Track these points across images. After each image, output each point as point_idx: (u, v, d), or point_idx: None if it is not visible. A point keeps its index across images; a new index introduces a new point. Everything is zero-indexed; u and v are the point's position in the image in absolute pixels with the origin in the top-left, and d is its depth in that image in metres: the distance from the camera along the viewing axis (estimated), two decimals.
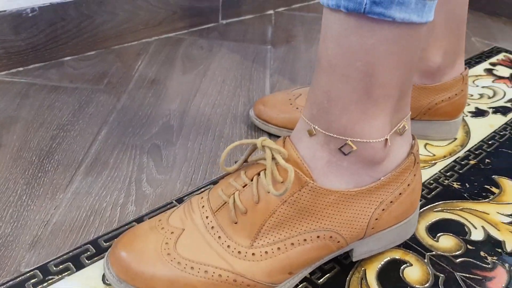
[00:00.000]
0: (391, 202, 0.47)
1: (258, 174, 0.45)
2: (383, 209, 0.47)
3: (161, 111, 0.76)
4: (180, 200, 0.58)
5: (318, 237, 0.45)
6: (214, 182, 0.61)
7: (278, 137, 0.70)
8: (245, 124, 0.74)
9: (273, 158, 0.45)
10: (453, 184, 0.64)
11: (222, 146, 0.68)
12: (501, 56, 1.03)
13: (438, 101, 0.69)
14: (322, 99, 0.43)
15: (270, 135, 0.71)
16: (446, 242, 0.55)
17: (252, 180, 0.46)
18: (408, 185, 0.48)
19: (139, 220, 0.55)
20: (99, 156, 0.65)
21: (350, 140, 0.44)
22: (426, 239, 0.55)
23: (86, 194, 0.58)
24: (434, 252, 0.53)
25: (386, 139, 0.45)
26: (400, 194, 0.47)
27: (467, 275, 0.51)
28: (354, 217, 0.45)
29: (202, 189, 0.60)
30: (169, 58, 0.92)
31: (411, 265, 0.51)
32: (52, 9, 0.84)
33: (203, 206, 0.47)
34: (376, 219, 0.47)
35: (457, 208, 0.60)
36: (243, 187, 0.46)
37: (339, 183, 0.45)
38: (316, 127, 0.44)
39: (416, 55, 0.43)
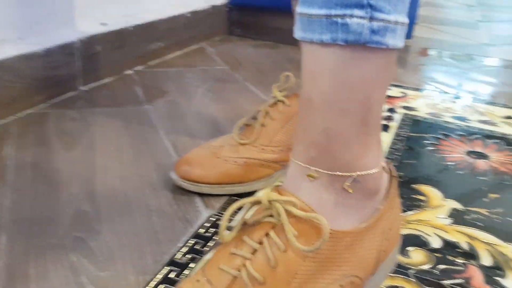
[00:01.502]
0: (389, 229, 0.46)
1: (266, 234, 0.41)
2: (386, 238, 0.46)
3: (62, 198, 0.64)
4: None
5: (341, 286, 0.42)
6: (176, 263, 0.53)
7: (212, 195, 0.65)
8: (169, 190, 0.66)
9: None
10: None
11: (157, 220, 0.60)
12: None
13: None
14: (321, 138, 0.41)
15: (202, 195, 0.65)
16: (418, 256, 0.56)
17: (261, 243, 0.41)
18: (398, 208, 0.48)
19: None
20: (12, 271, 0.51)
21: (355, 174, 0.42)
22: (402, 259, 0.56)
23: None
24: (414, 269, 0.54)
25: (383, 166, 0.45)
26: (394, 218, 0.47)
27: (452, 281, 0.53)
28: (367, 254, 0.44)
29: (171, 273, 0.51)
30: (41, 137, 0.79)
31: None
32: None
33: None
34: (384, 250, 0.46)
35: (404, 222, 0.63)
36: (253, 253, 0.40)
37: (348, 222, 0.43)
38: (319, 169, 0.42)
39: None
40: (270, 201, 0.41)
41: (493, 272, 0.55)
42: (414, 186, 0.71)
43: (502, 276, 0.54)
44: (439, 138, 0.88)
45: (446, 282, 0.53)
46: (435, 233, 0.61)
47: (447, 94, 1.13)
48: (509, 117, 1.01)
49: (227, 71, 1.20)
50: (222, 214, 0.62)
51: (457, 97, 1.11)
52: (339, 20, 0.37)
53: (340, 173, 0.42)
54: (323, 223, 0.39)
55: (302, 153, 0.43)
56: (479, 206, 0.67)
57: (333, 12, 0.37)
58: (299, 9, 0.40)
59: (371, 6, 0.37)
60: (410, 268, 0.54)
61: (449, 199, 0.68)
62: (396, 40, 0.39)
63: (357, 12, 0.37)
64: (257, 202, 0.42)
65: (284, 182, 0.45)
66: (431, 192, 0.70)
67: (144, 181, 0.69)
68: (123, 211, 0.62)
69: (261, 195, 0.42)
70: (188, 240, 0.56)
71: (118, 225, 0.59)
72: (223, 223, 0.41)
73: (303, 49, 0.41)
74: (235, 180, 0.65)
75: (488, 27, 2.02)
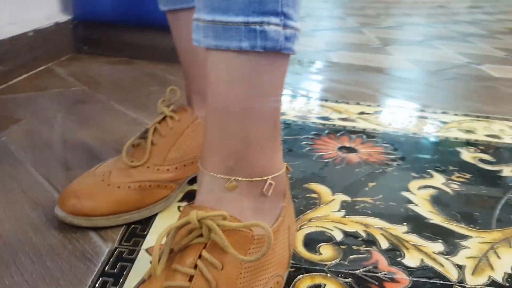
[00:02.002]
0: (291, 223, 0.48)
1: (199, 256, 0.39)
2: (291, 233, 0.48)
3: None
4: None
5: None
6: None
7: (108, 227, 0.59)
8: (57, 229, 0.59)
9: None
10: None
11: (52, 265, 0.53)
12: None
13: None
14: (239, 147, 0.41)
15: (97, 228, 0.59)
16: (327, 252, 0.59)
17: (195, 267, 0.38)
18: (290, 202, 0.51)
19: None
20: None
21: (270, 177, 0.43)
22: (315, 257, 0.57)
23: None
24: (328, 265, 0.56)
25: (286, 167, 0.46)
26: (291, 213, 0.49)
27: (363, 269, 0.56)
28: (283, 252, 0.45)
29: None
30: None
31: (325, 284, 0.53)
32: None
33: None
34: (291, 245, 0.47)
35: (307, 221, 0.65)
36: (190, 280, 0.38)
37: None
38: (238, 178, 0.41)
39: None
40: (199, 220, 0.39)
41: (393, 254, 0.60)
42: (305, 185, 0.75)
43: (401, 256, 0.59)
44: (312, 138, 0.94)
45: (359, 271, 0.56)
46: (335, 227, 0.64)
47: (305, 97, 1.21)
48: (362, 113, 1.12)
49: (86, 92, 1.11)
50: (124, 245, 0.57)
51: (314, 99, 1.20)
52: (258, 27, 0.38)
53: (258, 179, 0.43)
54: (266, 229, 0.38)
55: (218, 164, 0.43)
56: (363, 195, 0.73)
57: (251, 19, 0.37)
58: (207, 16, 0.39)
59: (284, 14, 0.38)
60: (325, 265, 0.56)
61: (336, 193, 0.73)
62: (297, 46, 0.41)
63: (273, 19, 0.38)
64: (185, 224, 0.40)
65: (199, 197, 0.44)
66: (321, 189, 0.74)
67: (24, 223, 0.60)
68: (8, 262, 0.53)
69: (190, 216, 0.39)
70: (96, 280, 0.51)
71: (6, 278, 0.50)
72: (155, 255, 0.38)
73: (213, 58, 0.40)
74: (131, 207, 0.60)
75: (322, 35, 2.22)
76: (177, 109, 0.66)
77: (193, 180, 0.70)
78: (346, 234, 0.63)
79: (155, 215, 0.63)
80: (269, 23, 0.37)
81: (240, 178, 0.42)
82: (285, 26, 0.38)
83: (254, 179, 0.43)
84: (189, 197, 0.68)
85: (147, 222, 0.62)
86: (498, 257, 0.62)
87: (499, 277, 0.58)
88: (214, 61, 0.40)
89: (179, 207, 0.66)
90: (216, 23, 0.38)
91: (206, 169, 0.43)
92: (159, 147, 0.64)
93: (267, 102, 0.41)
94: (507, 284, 0.57)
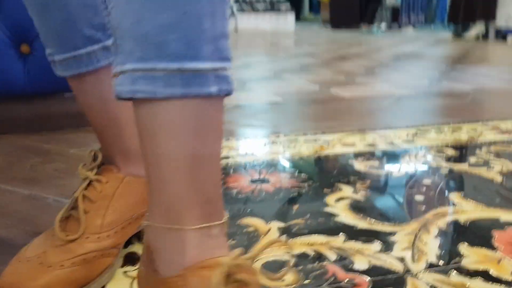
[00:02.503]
0: None
1: None
2: None
3: None
4: None
5: None
6: None
7: None
8: None
9: None
10: None
11: None
12: None
13: None
14: (217, 191, 0.43)
15: None
16: (289, 277, 0.60)
17: None
18: None
19: None
20: None
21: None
22: (280, 284, 0.59)
23: None
24: None
25: None
26: None
27: (329, 282, 0.59)
28: None
29: None
30: None
31: None
32: None
33: None
34: None
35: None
36: None
37: None
38: (216, 222, 0.42)
39: None
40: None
41: (344, 263, 0.64)
42: (238, 222, 0.75)
43: (352, 263, 0.64)
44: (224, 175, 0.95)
45: (324, 285, 0.58)
46: (284, 253, 0.66)
47: None
48: (261, 146, 1.17)
49: None
50: None
51: None
52: (225, 73, 0.39)
53: (218, 222, 0.43)
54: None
55: (193, 217, 0.42)
56: (293, 218, 0.77)
57: (218, 65, 0.39)
58: (170, 65, 0.38)
59: (230, 59, 0.41)
60: None
61: (270, 222, 0.75)
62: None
63: (229, 64, 0.40)
64: None
65: (190, 256, 0.42)
66: (254, 222, 0.75)
67: None
68: None
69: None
70: None
71: None
72: None
73: (170, 108, 0.39)
74: (81, 284, 0.55)
75: None
76: (102, 171, 0.63)
77: (127, 243, 0.66)
78: (297, 256, 0.65)
79: (103, 286, 0.59)
80: (229, 68, 0.40)
81: (217, 223, 0.42)
82: (230, 69, 0.41)
83: (216, 222, 0.43)
84: (131, 260, 0.64)
85: None
86: (424, 243, 0.69)
87: (433, 259, 0.65)
88: (173, 110, 0.39)
89: (125, 272, 0.62)
90: (184, 71, 0.39)
91: (182, 223, 0.42)
92: (93, 214, 0.59)
93: (216, 145, 0.42)
94: (442, 261, 0.64)
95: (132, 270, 0.62)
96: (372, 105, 1.72)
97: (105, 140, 0.63)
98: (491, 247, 0.68)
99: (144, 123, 0.40)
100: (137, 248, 0.67)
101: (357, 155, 1.10)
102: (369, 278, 0.60)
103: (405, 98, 1.83)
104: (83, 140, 1.20)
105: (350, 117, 1.52)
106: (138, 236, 0.69)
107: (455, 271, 0.62)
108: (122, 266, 0.63)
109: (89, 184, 0.61)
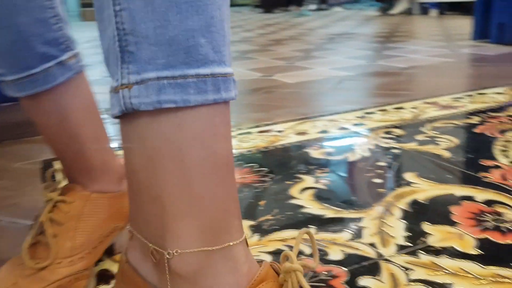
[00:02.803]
0: None
1: None
2: None
3: None
4: None
5: None
6: None
7: None
8: None
9: None
10: None
11: None
12: None
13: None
14: (225, 207, 0.40)
15: None
16: None
17: None
18: None
19: None
20: None
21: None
22: None
23: None
24: None
25: None
26: None
27: (309, 277, 0.60)
28: None
29: None
30: None
31: None
32: None
33: None
34: None
35: None
36: None
37: None
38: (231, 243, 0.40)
39: None
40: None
41: (319, 255, 0.65)
42: None
43: (327, 255, 0.65)
44: None
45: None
46: (259, 252, 0.67)
47: None
48: None
49: None
50: None
51: None
52: (232, 77, 0.38)
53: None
54: None
55: (237, 229, 0.40)
56: (262, 215, 0.77)
57: (227, 70, 0.37)
58: (184, 71, 0.35)
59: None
60: None
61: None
62: None
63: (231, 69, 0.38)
64: None
65: (241, 274, 0.39)
66: None
67: None
68: None
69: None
70: None
71: None
72: None
73: (188, 119, 0.36)
74: None
75: None
76: (65, 190, 0.60)
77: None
78: (272, 253, 0.66)
79: None
80: (232, 73, 0.38)
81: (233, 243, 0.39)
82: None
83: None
84: (104, 279, 0.62)
85: None
86: (390, 225, 0.72)
87: (401, 241, 0.68)
88: (205, 118, 0.36)
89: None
90: (215, 76, 0.36)
91: (232, 239, 0.38)
92: (62, 237, 0.57)
93: (231, 150, 0.39)
94: (409, 243, 0.67)
95: None
96: (316, 89, 1.75)
97: (66, 158, 0.61)
98: (451, 223, 0.72)
99: (166, 136, 0.36)
100: (109, 265, 0.65)
101: (312, 143, 1.12)
102: (344, 268, 0.62)
103: (346, 80, 1.87)
104: (27, 153, 1.14)
105: (297, 103, 1.54)
106: (107, 252, 0.67)
107: (422, 251, 0.65)
108: (96, 285, 0.61)
109: (54, 206, 0.58)
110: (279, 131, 1.22)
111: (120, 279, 0.44)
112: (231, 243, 0.38)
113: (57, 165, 0.65)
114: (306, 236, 0.43)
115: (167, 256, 0.37)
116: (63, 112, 0.57)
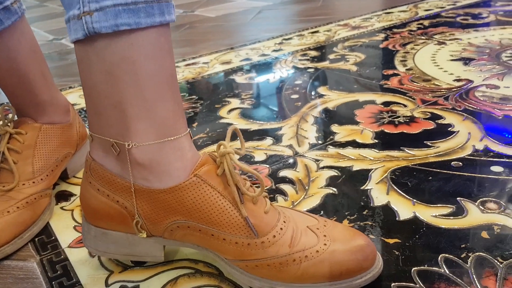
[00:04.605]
0: None
1: None
2: None
3: None
4: None
5: None
6: None
7: (17, 251, 0.60)
8: None
9: None
10: None
11: None
12: None
13: None
14: (172, 108, 0.48)
15: (10, 256, 0.59)
16: None
17: None
18: None
19: None
20: None
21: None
22: None
23: None
24: None
25: None
26: None
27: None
28: None
29: None
30: None
31: None
32: None
33: None
34: None
35: None
36: None
37: None
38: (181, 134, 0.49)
39: None
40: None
41: (246, 159, 0.77)
42: None
43: (253, 158, 0.78)
44: None
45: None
46: None
47: None
48: None
49: None
50: (46, 254, 0.59)
51: None
52: (172, 2, 0.46)
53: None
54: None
55: (182, 125, 0.49)
56: (196, 134, 0.88)
57: None
58: None
59: None
60: None
61: None
62: None
63: None
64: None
65: (187, 159, 0.48)
66: None
67: None
68: None
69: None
70: (52, 287, 0.54)
71: None
72: None
73: (139, 39, 0.43)
74: (29, 223, 0.62)
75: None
76: (18, 124, 0.67)
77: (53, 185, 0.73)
78: None
79: (48, 223, 0.66)
80: None
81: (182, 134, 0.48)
82: None
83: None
84: (63, 197, 0.72)
85: (46, 231, 0.64)
86: (304, 130, 0.86)
87: (313, 141, 0.82)
88: (153, 37, 0.44)
89: (61, 207, 0.69)
90: (159, 2, 0.43)
91: (179, 133, 0.47)
92: (22, 163, 0.65)
93: (174, 63, 0.48)
94: (320, 142, 0.81)
95: (68, 205, 0.70)
96: (238, 21, 1.83)
97: (16, 96, 0.67)
98: (355, 123, 0.87)
99: (123, 54, 0.43)
100: (65, 187, 0.74)
101: (236, 70, 1.22)
102: (268, 165, 0.75)
103: (266, 10, 1.96)
104: None
105: (221, 36, 1.62)
106: (62, 177, 0.76)
107: (330, 146, 0.79)
108: (57, 204, 0.71)
109: (10, 138, 0.66)
110: (205, 63, 1.31)
111: (90, 175, 0.52)
112: (178, 136, 0.48)
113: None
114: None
115: (127, 147, 0.47)
116: (11, 54, 0.64)
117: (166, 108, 0.47)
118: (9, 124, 0.67)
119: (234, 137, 0.84)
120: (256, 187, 0.52)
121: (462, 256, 0.52)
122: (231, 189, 0.48)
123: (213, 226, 0.48)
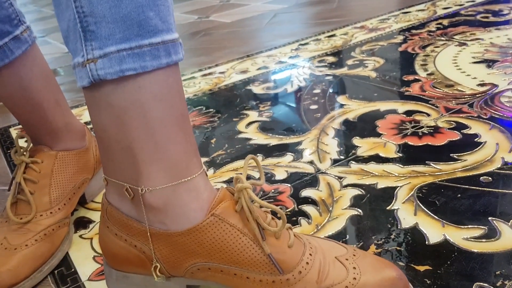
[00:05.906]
0: None
1: None
2: None
3: None
4: None
5: None
6: None
7: (37, 285, 0.59)
8: None
9: None
10: None
11: None
12: None
13: None
14: (187, 148, 0.47)
15: None
16: None
17: None
18: None
19: None
20: None
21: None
22: None
23: None
24: None
25: None
26: None
27: (264, 198, 0.71)
28: None
29: None
30: None
31: None
32: None
33: None
34: None
35: None
36: None
37: None
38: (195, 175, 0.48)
39: None
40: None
41: (268, 177, 0.76)
42: None
43: (273, 176, 0.76)
44: None
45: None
46: (215, 183, 0.76)
47: None
48: None
49: None
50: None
51: None
52: (179, 41, 0.44)
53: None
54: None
55: (196, 165, 0.47)
56: (215, 151, 0.86)
57: (174, 36, 0.44)
58: (139, 42, 0.41)
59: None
60: None
61: None
62: None
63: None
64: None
65: (203, 200, 0.47)
66: None
67: None
68: None
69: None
70: None
71: None
72: None
73: (147, 82, 0.42)
74: (47, 256, 0.61)
75: None
76: (34, 153, 0.67)
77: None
78: (227, 182, 0.76)
79: (66, 254, 0.65)
80: (179, 38, 0.45)
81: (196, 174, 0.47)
82: None
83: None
84: (82, 224, 0.71)
85: (65, 262, 0.63)
86: (325, 144, 0.83)
87: (335, 156, 0.79)
88: (161, 79, 0.43)
89: (80, 235, 0.68)
90: (165, 43, 0.42)
91: (192, 173, 0.46)
92: (39, 193, 0.64)
93: (185, 102, 0.47)
94: (342, 157, 0.79)
95: (87, 233, 0.69)
96: (253, 26, 1.81)
97: (31, 124, 0.67)
98: (377, 135, 0.84)
99: (130, 97, 0.42)
100: (84, 213, 0.73)
101: (253, 80, 1.20)
102: (289, 184, 0.73)
103: (281, 13, 1.93)
104: None
105: (236, 42, 1.60)
106: (80, 202, 0.75)
107: (353, 161, 0.77)
108: (76, 231, 0.70)
109: (26, 167, 0.65)
110: (222, 72, 1.29)
111: (106, 219, 0.51)
112: (192, 177, 0.47)
113: (16, 131, 0.71)
114: (253, 163, 0.51)
115: (141, 192, 0.46)
116: (23, 83, 0.63)
117: (178, 150, 0.45)
118: (24, 153, 0.66)
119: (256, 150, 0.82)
120: (278, 217, 0.50)
121: (498, 284, 0.50)
122: (251, 225, 0.46)
123: (235, 265, 0.46)
